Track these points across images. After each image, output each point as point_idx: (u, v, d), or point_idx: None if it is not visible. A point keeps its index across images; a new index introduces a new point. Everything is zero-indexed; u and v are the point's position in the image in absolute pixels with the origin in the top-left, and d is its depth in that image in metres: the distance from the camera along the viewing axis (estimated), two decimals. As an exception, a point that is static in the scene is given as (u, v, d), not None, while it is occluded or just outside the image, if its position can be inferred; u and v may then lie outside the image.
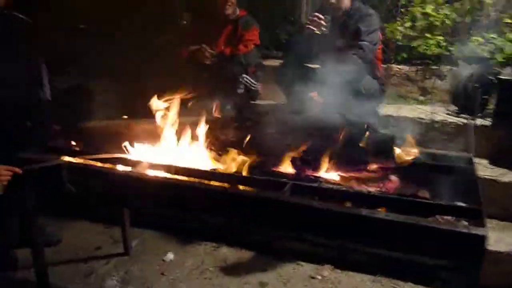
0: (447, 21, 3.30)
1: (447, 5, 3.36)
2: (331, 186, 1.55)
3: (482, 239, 1.15)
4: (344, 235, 1.35)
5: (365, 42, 2.77)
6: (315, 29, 2.81)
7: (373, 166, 1.70)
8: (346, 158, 1.69)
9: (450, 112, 3.08)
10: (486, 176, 2.65)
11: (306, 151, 1.70)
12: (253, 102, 3.54)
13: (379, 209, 1.37)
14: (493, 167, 2.78)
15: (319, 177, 1.63)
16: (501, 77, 2.70)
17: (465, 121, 2.92)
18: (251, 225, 1.58)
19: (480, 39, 3.25)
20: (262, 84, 3.55)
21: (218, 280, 2.58)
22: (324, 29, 2.82)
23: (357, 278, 2.54)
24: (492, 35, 3.24)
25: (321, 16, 2.83)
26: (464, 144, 2.86)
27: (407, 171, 1.75)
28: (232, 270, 2.68)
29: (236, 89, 3.28)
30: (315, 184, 1.54)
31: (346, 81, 2.65)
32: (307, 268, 2.65)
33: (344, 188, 1.53)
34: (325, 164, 1.66)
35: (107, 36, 3.77)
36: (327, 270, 2.61)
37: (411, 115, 3.08)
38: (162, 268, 2.70)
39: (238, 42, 3.43)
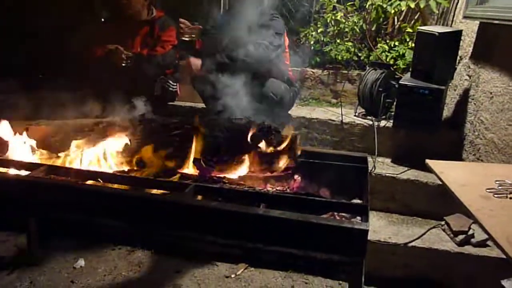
0: (356, 28, 3.50)
1: (356, 13, 3.56)
2: (233, 186, 1.59)
3: (364, 233, 1.24)
4: (242, 234, 1.39)
5: (265, 42, 2.86)
6: (186, 38, 2.93)
7: (277, 166, 1.76)
8: (253, 159, 1.74)
9: (357, 114, 3.27)
10: (388, 174, 2.86)
11: (211, 152, 1.73)
12: (171, 104, 3.51)
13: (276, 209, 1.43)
14: (395, 165, 3.00)
15: (223, 177, 1.67)
16: (400, 82, 2.91)
17: (370, 123, 3.11)
18: (157, 228, 1.56)
19: (385, 46, 3.49)
20: (180, 85, 3.54)
21: (130, 285, 2.54)
22: (194, 36, 2.95)
23: (270, 275, 2.62)
24: (395, 43, 3.49)
25: (188, 23, 2.98)
26: (369, 144, 3.05)
27: (309, 170, 1.83)
28: (146, 274, 2.64)
29: (153, 91, 3.24)
30: (217, 185, 1.57)
31: (253, 83, 2.77)
32: (221, 268, 2.68)
33: (245, 189, 1.58)
34: (229, 165, 1.70)
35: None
36: (241, 269, 2.66)
37: (322, 117, 3.23)
38: (72, 276, 2.60)
39: (155, 43, 3.39)
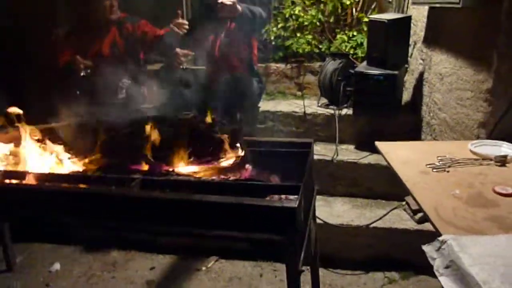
0: (315, 21, 3.58)
1: (314, 6, 3.64)
2: (179, 177, 1.67)
3: (291, 210, 1.31)
4: (185, 221, 1.46)
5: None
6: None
7: (226, 157, 1.83)
8: (199, 151, 1.81)
9: (320, 105, 3.36)
10: (350, 160, 2.95)
11: (160, 146, 1.80)
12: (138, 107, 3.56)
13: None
14: (357, 151, 3.09)
15: (171, 171, 1.74)
16: (356, 70, 3.00)
17: (332, 112, 3.20)
18: (109, 222, 1.63)
19: (344, 37, 3.59)
20: (146, 88, 3.58)
21: (104, 284, 2.61)
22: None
23: (240, 265, 2.70)
24: (354, 33, 3.59)
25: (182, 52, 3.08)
26: (332, 133, 3.14)
27: (260, 158, 1.91)
28: (119, 272, 2.71)
29: (117, 95, 3.28)
30: (163, 178, 1.64)
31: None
32: (193, 261, 2.76)
33: (191, 179, 1.65)
34: (178, 158, 1.77)
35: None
36: (212, 261, 2.74)
37: (286, 109, 3.32)
38: (48, 280, 2.67)
39: (128, 39, 3.40)
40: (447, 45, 2.66)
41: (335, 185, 2.96)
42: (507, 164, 1.78)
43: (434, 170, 1.76)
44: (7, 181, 1.79)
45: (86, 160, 1.79)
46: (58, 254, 2.92)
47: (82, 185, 1.70)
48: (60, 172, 1.80)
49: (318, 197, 2.83)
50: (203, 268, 2.68)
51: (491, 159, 1.81)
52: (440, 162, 1.82)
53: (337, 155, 2.98)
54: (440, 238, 1.23)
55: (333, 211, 2.77)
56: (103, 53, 3.38)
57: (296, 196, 1.43)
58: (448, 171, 1.74)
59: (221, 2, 2.86)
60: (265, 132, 3.25)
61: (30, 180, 1.73)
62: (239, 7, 2.88)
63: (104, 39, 3.44)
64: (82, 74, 3.12)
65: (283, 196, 1.54)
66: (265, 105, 3.43)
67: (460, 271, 1.10)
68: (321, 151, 3.05)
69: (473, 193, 1.55)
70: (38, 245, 3.03)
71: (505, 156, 1.79)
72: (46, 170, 1.84)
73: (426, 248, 1.27)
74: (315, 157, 2.94)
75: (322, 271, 2.47)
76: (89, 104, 2.60)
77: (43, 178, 1.72)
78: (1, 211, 1.83)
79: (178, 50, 3.11)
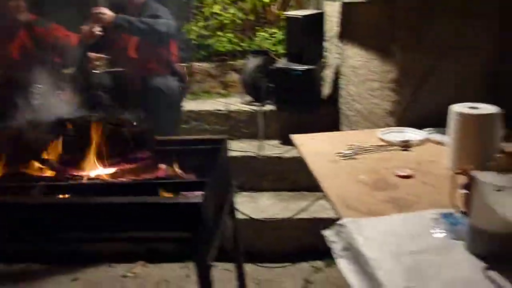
0: (235, 19, 3.61)
1: (234, 4, 3.67)
2: (85, 181, 1.60)
3: (197, 205, 1.30)
4: (91, 226, 1.40)
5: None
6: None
7: (136, 158, 1.79)
8: (109, 153, 1.75)
9: (244, 102, 3.38)
10: (274, 155, 2.99)
11: (66, 151, 1.72)
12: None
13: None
14: (281, 146, 3.15)
15: (78, 175, 1.67)
16: (276, 66, 3.06)
17: (255, 108, 3.23)
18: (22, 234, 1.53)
19: (265, 34, 3.64)
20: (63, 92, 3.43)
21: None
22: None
23: (167, 268, 2.65)
24: (274, 30, 3.65)
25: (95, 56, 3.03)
26: (256, 129, 3.17)
27: (176, 157, 1.88)
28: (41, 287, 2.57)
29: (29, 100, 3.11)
30: (67, 182, 1.57)
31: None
32: (119, 268, 2.67)
33: (97, 182, 1.60)
34: (85, 161, 1.70)
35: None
36: (138, 267, 2.67)
37: (210, 108, 3.31)
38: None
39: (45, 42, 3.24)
40: (357, 38, 2.77)
41: (260, 181, 2.99)
42: (410, 148, 1.88)
43: (343, 158, 1.83)
44: None
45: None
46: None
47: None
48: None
49: (243, 193, 2.86)
50: (129, 274, 2.60)
51: (396, 145, 1.90)
52: (349, 150, 1.89)
53: (262, 151, 3.01)
54: (339, 222, 1.27)
55: (259, 206, 2.79)
56: (13, 57, 3.21)
57: (203, 192, 1.42)
58: (355, 159, 1.81)
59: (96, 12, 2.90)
60: (189, 131, 3.21)
61: None
62: (109, 18, 2.92)
63: (12, 42, 3.27)
64: None
65: (191, 193, 1.52)
66: (189, 105, 3.39)
67: (355, 252, 1.14)
68: (246, 147, 3.08)
69: (377, 178, 1.62)
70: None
71: (407, 141, 1.90)
72: None
73: (326, 232, 1.31)
74: (240, 153, 2.98)
75: (250, 267, 2.49)
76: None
77: None
78: None
79: (90, 54, 3.01)
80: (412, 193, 1.46)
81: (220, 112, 3.29)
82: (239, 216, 2.42)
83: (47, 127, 1.76)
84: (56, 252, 2.72)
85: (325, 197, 2.80)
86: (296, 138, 2.12)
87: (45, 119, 1.85)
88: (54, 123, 1.75)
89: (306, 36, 2.96)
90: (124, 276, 2.59)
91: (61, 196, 1.51)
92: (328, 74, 3.47)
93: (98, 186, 1.55)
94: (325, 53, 3.31)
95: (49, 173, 1.67)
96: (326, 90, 3.43)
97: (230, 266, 2.59)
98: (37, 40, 3.22)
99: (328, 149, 1.93)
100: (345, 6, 2.97)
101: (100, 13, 2.93)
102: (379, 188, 1.53)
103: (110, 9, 2.97)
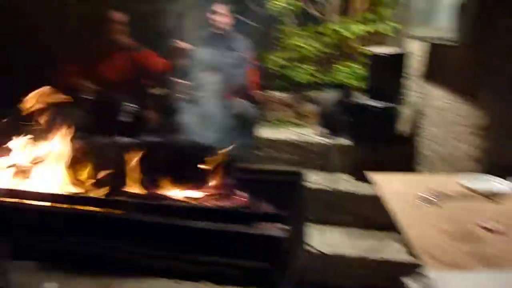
0: (316, 52, 3.67)
1: (315, 37, 3.73)
2: (170, 202, 1.70)
3: (279, 239, 1.33)
4: (173, 246, 1.48)
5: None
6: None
7: (217, 184, 1.86)
8: (193, 177, 1.84)
9: (318, 134, 3.39)
10: (346, 190, 2.97)
11: (155, 172, 1.83)
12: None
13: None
14: (354, 181, 3.11)
15: (165, 196, 1.77)
16: (356, 101, 3.06)
17: (330, 141, 3.23)
18: (101, 243, 1.65)
19: (344, 68, 3.65)
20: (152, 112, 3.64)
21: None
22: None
23: (232, 291, 2.68)
24: (354, 64, 3.66)
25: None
26: (329, 162, 3.17)
27: (251, 186, 1.93)
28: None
29: (121, 118, 3.34)
30: (155, 202, 1.67)
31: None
32: (184, 286, 2.74)
33: (181, 204, 1.68)
34: (170, 182, 1.81)
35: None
36: (203, 286, 2.72)
37: (284, 137, 3.36)
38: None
39: (142, 68, 3.50)
40: (444, 80, 2.71)
41: (331, 215, 2.96)
42: (496, 200, 1.79)
43: (424, 203, 1.78)
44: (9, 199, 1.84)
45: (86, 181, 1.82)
46: (53, 274, 2.91)
47: (79, 207, 1.73)
48: (60, 193, 1.83)
49: (312, 225, 2.84)
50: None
51: (481, 194, 1.82)
52: (431, 196, 1.83)
53: (334, 184, 3.00)
54: (423, 272, 1.24)
55: (329, 240, 2.77)
56: (110, 77, 3.47)
57: (283, 225, 1.45)
58: (438, 205, 1.76)
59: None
60: (262, 159, 3.28)
61: (32, 199, 1.77)
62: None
63: (111, 63, 3.54)
64: (86, 96, 3.19)
65: (270, 224, 1.55)
66: (263, 132, 3.47)
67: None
68: (318, 180, 3.07)
69: (462, 229, 1.56)
70: (35, 263, 3.02)
71: (495, 192, 1.81)
72: (50, 189, 1.88)
73: (406, 280, 1.28)
74: (312, 186, 2.98)
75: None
76: (94, 126, 2.66)
77: (43, 197, 1.76)
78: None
79: (179, 80, 3.19)
80: (501, 250, 1.39)
81: (294, 142, 3.32)
82: (307, 248, 2.42)
83: (142, 147, 1.88)
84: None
85: (401, 239, 2.74)
86: (373, 176, 2.09)
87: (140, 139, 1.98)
88: (147, 144, 1.87)
89: (389, 73, 2.94)
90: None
91: (149, 215, 1.60)
92: (406, 113, 3.40)
93: (183, 209, 1.63)
94: (405, 91, 3.25)
95: (141, 191, 1.78)
96: (403, 128, 3.36)
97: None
98: (133, 63, 3.47)
99: (408, 191, 1.89)
100: (432, 46, 2.93)
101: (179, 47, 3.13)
102: (464, 240, 1.47)
103: None
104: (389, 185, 1.97)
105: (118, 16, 3.48)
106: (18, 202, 1.78)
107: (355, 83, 3.59)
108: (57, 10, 3.92)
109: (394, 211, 1.74)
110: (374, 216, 2.91)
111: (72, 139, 2.00)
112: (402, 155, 3.12)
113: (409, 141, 3.22)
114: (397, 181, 2.04)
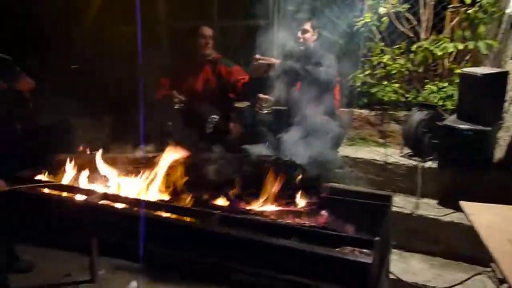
0: (403, 70, 3.55)
1: (403, 55, 3.62)
2: (257, 217, 1.72)
3: (365, 265, 1.30)
4: (256, 262, 1.50)
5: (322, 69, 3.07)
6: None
7: (302, 202, 1.87)
8: (279, 194, 1.87)
9: (403, 155, 3.27)
10: (431, 216, 2.82)
11: (241, 186, 1.88)
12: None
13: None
14: (439, 207, 2.95)
15: (250, 210, 1.80)
16: (445, 123, 2.91)
17: (415, 163, 3.10)
18: (191, 255, 1.72)
19: (434, 88, 3.50)
20: (234, 124, 3.74)
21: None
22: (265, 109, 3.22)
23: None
24: (444, 84, 3.49)
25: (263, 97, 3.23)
26: (413, 185, 3.03)
27: (336, 206, 1.92)
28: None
29: (206, 129, 3.47)
30: (240, 216, 1.71)
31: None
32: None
33: (267, 220, 1.70)
34: (258, 199, 1.84)
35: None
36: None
37: (367, 157, 3.28)
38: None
39: (220, 81, 3.64)
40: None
41: (413, 241, 2.83)
42: None
43: (524, 239, 1.64)
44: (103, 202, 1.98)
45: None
46: (135, 274, 3.06)
47: (167, 214, 1.82)
48: (149, 199, 1.95)
49: (393, 251, 2.73)
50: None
51: None
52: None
53: (418, 209, 2.86)
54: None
55: (409, 268, 2.64)
56: (197, 89, 3.63)
57: (370, 251, 1.41)
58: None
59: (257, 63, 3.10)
60: (343, 178, 3.21)
61: (121, 204, 1.90)
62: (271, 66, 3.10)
63: (198, 76, 3.70)
64: (176, 107, 3.35)
65: (356, 249, 1.52)
66: (345, 151, 3.42)
67: None
68: (401, 203, 2.95)
69: None
70: (118, 261, 3.20)
71: None
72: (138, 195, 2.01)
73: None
74: (393, 209, 2.87)
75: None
76: (180, 136, 2.80)
77: (133, 202, 1.88)
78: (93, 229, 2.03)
79: (260, 95, 3.24)
80: None
81: (376, 161, 3.23)
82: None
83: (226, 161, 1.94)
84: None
85: (487, 273, 2.55)
86: (466, 205, 1.97)
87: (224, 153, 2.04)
88: (234, 158, 1.92)
89: (484, 95, 2.76)
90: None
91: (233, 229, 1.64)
92: (503, 137, 3.17)
93: (268, 225, 1.65)
94: (503, 115, 3.04)
95: (225, 203, 1.83)
96: (498, 154, 3.13)
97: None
98: (219, 78, 3.60)
99: (504, 225, 1.77)
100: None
101: (260, 59, 3.17)
102: None
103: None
104: (483, 216, 1.85)
105: (207, 31, 3.64)
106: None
107: (444, 103, 3.43)
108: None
109: (489, 246, 1.63)
110: (459, 246, 2.74)
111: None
112: (495, 183, 2.89)
113: (505, 168, 2.98)
114: (492, 213, 1.91)
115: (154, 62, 3.63)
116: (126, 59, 3.97)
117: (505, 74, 2.89)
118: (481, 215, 1.87)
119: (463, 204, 1.99)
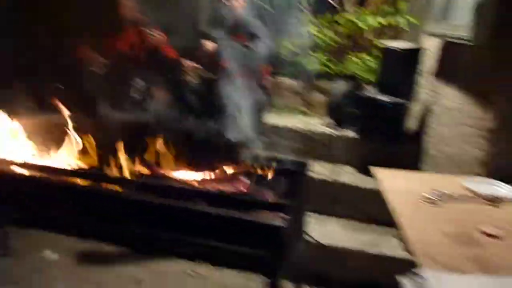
0: (329, 41, 3.63)
1: (329, 26, 3.69)
2: (175, 184, 1.71)
3: (279, 229, 1.35)
4: (173, 228, 1.50)
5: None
6: None
7: (222, 168, 1.87)
8: (199, 160, 1.86)
9: (325, 124, 3.39)
10: (349, 183, 2.97)
11: (164, 151, 1.85)
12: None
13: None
14: (358, 174, 3.11)
15: (169, 176, 1.78)
16: (367, 95, 3.04)
17: (337, 133, 3.23)
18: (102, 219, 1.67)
19: (357, 60, 3.62)
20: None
21: (95, 277, 2.65)
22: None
23: (227, 273, 2.72)
24: (367, 57, 3.62)
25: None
26: (335, 154, 3.17)
27: (256, 173, 1.94)
28: (109, 267, 2.75)
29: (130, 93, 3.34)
30: (159, 183, 1.69)
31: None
32: (182, 265, 2.79)
33: (185, 186, 1.69)
34: (178, 164, 1.82)
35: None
36: (201, 267, 2.77)
37: (291, 126, 3.35)
38: (40, 267, 2.71)
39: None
40: (456, 79, 2.68)
41: (332, 206, 2.97)
42: (499, 205, 1.78)
43: (427, 203, 1.78)
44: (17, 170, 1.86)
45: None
46: (51, 243, 2.96)
47: (82, 181, 1.75)
48: (65, 168, 1.86)
49: (314, 215, 2.86)
50: (192, 273, 2.71)
51: (484, 198, 1.82)
52: (434, 196, 1.83)
53: (337, 176, 3.00)
54: (418, 272, 1.25)
55: (327, 231, 2.78)
56: (122, 51, 3.46)
57: (285, 215, 1.46)
58: (440, 206, 1.76)
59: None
60: (267, 145, 3.26)
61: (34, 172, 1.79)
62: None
63: (122, 39, 3.52)
64: (97, 71, 3.19)
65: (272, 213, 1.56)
66: (270, 119, 3.46)
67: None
68: (322, 170, 3.08)
69: (461, 231, 1.56)
70: (33, 231, 3.06)
71: (498, 197, 1.81)
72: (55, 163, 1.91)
73: (401, 279, 1.29)
74: (314, 176, 2.99)
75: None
76: (104, 102, 2.67)
77: (48, 170, 1.78)
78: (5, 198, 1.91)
79: (186, 62, 3.17)
80: (499, 256, 1.39)
81: (300, 130, 3.32)
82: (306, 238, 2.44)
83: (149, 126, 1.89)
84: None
85: (399, 236, 2.75)
86: (377, 171, 2.09)
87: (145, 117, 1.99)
88: (156, 124, 1.87)
89: (402, 68, 2.91)
90: (186, 273, 2.71)
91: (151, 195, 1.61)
92: (416, 110, 3.38)
93: (183, 191, 1.65)
94: (416, 88, 3.22)
95: (145, 171, 1.80)
96: (411, 125, 3.34)
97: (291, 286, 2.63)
98: (142, 40, 3.45)
99: (410, 190, 1.89)
100: (447, 44, 2.89)
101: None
102: (462, 243, 1.48)
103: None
104: (393, 182, 1.97)
105: None
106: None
107: (366, 76, 3.57)
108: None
109: (394, 208, 1.75)
110: (375, 211, 2.92)
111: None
112: (408, 152, 3.10)
113: (417, 139, 3.20)
114: (401, 178, 2.04)
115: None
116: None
117: (421, 49, 3.06)
118: (391, 180, 1.99)
119: (374, 170, 2.11)
